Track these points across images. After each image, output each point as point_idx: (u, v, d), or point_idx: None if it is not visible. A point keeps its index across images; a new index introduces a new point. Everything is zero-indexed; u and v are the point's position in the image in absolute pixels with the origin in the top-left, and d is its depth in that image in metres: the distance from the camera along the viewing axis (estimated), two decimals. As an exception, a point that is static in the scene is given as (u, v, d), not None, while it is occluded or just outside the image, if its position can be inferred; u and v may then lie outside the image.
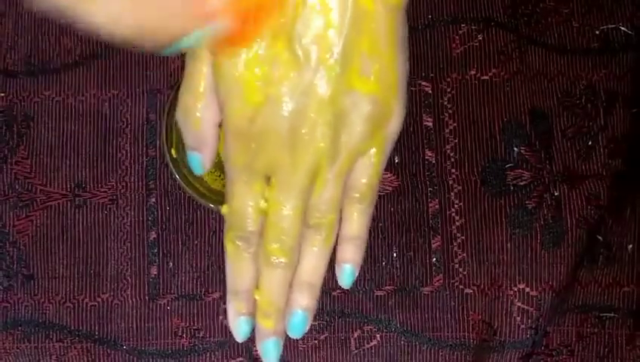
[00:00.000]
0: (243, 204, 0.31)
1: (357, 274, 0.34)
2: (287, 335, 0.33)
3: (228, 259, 0.32)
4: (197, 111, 0.31)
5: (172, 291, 0.44)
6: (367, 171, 0.31)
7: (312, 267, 0.32)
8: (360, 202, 0.32)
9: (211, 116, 0.31)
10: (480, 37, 0.45)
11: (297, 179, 0.30)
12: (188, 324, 0.44)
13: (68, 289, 0.44)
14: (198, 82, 0.30)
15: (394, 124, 0.31)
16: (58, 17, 0.24)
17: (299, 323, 0.33)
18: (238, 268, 0.32)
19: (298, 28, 0.27)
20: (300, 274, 0.32)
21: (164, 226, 0.44)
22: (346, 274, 0.33)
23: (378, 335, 0.43)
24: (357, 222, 0.33)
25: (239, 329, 0.33)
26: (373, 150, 0.31)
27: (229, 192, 0.31)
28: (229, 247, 0.32)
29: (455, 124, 0.44)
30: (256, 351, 0.43)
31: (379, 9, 0.28)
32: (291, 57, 0.28)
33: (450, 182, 0.44)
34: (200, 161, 0.32)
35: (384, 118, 0.30)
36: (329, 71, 0.28)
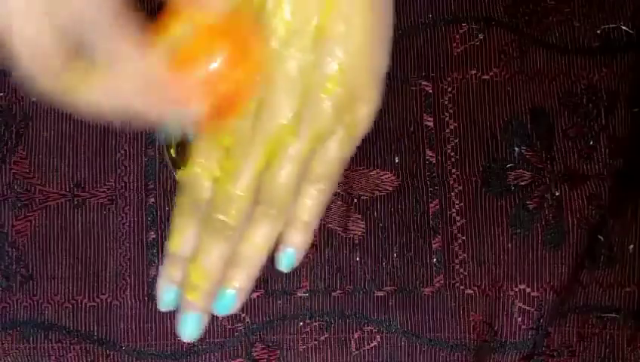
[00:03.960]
0: (198, 170, 0.30)
1: (298, 259, 0.32)
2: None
3: (173, 224, 0.31)
4: None
5: (171, 291, 0.44)
6: (329, 155, 0.30)
7: (254, 244, 0.31)
8: (315, 187, 0.31)
9: None
10: (481, 36, 0.45)
11: (255, 149, 0.29)
12: (187, 325, 0.44)
13: (67, 290, 0.44)
14: None
15: (363, 110, 0.30)
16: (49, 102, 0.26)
17: (227, 302, 0.31)
18: (181, 233, 0.31)
19: (269, 5, 0.27)
20: (240, 251, 0.31)
21: (163, 226, 0.44)
22: (285, 258, 0.32)
23: (378, 336, 0.43)
24: (307, 206, 0.31)
25: (165, 296, 0.32)
26: (338, 134, 0.30)
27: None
28: (176, 212, 0.31)
29: (456, 124, 0.44)
30: (256, 352, 0.42)
31: None
32: (260, 28, 0.28)
33: (451, 182, 0.44)
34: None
35: (352, 101, 0.30)
36: (300, 44, 0.28)
